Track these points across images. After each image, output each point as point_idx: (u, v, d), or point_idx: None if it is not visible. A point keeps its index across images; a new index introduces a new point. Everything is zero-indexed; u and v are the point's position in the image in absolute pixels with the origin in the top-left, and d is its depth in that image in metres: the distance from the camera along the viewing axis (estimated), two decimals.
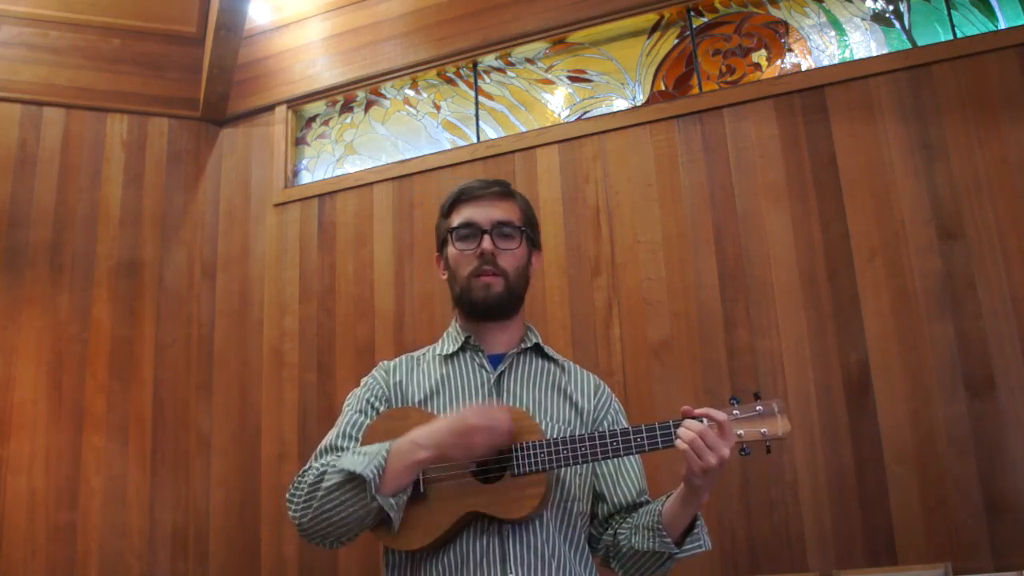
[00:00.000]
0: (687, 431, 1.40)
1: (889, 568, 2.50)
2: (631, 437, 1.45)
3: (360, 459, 1.46)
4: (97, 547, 3.23)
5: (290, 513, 1.55)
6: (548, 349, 1.72)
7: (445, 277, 1.73)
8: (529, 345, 1.69)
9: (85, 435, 3.33)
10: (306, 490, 1.51)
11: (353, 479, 1.44)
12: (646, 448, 1.45)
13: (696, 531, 1.51)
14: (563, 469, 1.54)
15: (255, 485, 3.36)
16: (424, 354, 1.74)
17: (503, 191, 1.72)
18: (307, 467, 1.57)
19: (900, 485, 2.57)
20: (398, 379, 1.69)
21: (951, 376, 2.59)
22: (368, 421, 1.62)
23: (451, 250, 1.69)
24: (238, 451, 3.42)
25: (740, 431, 1.43)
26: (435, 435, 1.45)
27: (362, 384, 1.72)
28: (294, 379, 3.42)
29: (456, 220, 1.70)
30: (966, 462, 2.52)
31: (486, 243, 1.64)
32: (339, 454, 1.57)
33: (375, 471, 1.43)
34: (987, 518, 2.47)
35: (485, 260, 1.64)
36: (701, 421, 1.41)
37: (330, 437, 1.63)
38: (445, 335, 1.74)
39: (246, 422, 3.45)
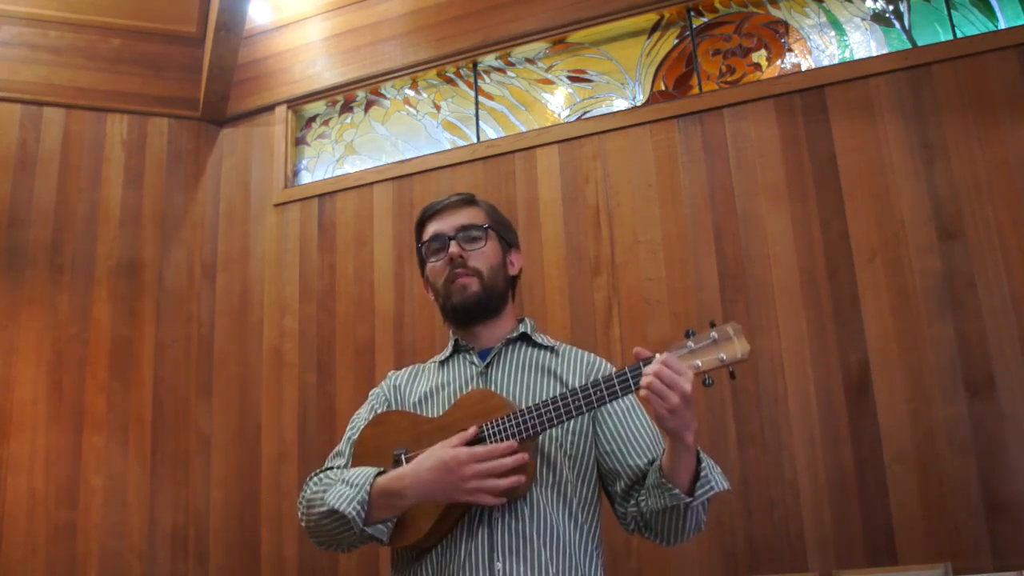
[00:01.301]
0: (645, 377, 1.36)
1: (889, 568, 2.50)
2: (590, 391, 1.43)
3: (345, 491, 1.49)
4: (97, 547, 3.23)
5: (298, 510, 1.63)
6: (539, 337, 1.72)
7: (432, 296, 1.78)
8: (516, 335, 1.70)
9: (85, 435, 3.33)
10: (304, 505, 1.59)
11: (336, 513, 1.48)
12: (606, 399, 1.42)
13: (704, 473, 1.46)
14: (549, 449, 1.55)
15: (255, 485, 3.36)
16: (427, 362, 1.80)
17: (464, 200, 1.76)
18: (317, 471, 1.65)
19: (900, 485, 2.57)
20: (399, 384, 1.74)
21: (951, 376, 2.59)
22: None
23: (428, 266, 1.75)
24: (238, 451, 3.42)
25: (697, 362, 1.38)
26: (423, 484, 1.46)
27: (369, 396, 1.79)
28: (294, 379, 3.42)
29: (425, 236, 1.76)
30: (966, 462, 2.52)
31: (452, 248, 1.68)
32: (342, 459, 1.66)
33: (357, 508, 1.47)
34: (987, 518, 2.47)
35: (455, 264, 1.67)
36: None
37: (339, 445, 1.71)
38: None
39: (246, 422, 3.45)
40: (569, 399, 1.44)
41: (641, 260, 3.03)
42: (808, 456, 2.67)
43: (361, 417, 1.72)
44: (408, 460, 1.53)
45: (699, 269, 2.95)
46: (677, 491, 1.44)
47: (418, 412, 1.64)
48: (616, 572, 2.77)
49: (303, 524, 1.60)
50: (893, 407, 2.63)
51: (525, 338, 1.71)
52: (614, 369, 1.68)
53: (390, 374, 1.80)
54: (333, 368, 3.37)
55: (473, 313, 1.68)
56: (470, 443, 1.47)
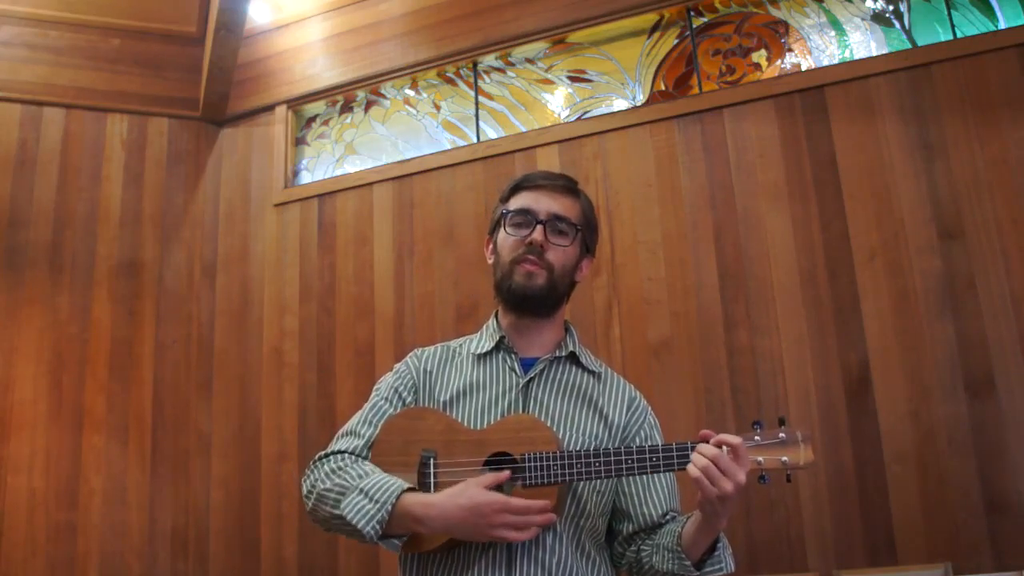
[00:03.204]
0: (700, 457, 1.34)
1: (889, 568, 2.50)
2: (647, 456, 1.40)
3: (365, 505, 1.43)
4: (97, 547, 3.23)
5: (303, 493, 1.56)
6: (585, 357, 1.66)
7: (491, 261, 1.68)
8: (564, 353, 1.64)
9: (85, 435, 3.33)
10: (315, 496, 1.51)
11: (352, 525, 1.43)
12: (661, 469, 1.40)
13: (718, 552, 1.46)
14: (582, 486, 1.52)
15: (255, 485, 3.36)
16: (460, 346, 1.69)
17: (567, 186, 1.66)
18: (327, 452, 1.57)
19: (900, 485, 2.57)
20: (430, 369, 1.65)
21: (951, 376, 2.59)
22: (392, 410, 1.60)
23: (502, 234, 1.64)
24: (238, 451, 3.42)
25: (760, 458, 1.36)
26: (448, 519, 1.40)
27: (393, 371, 1.69)
28: (294, 379, 3.42)
29: (514, 204, 1.64)
30: (966, 462, 2.52)
31: (537, 233, 1.58)
32: (357, 440, 1.57)
33: (376, 528, 1.41)
34: (987, 518, 2.47)
35: (532, 250, 1.58)
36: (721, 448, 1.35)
37: (352, 422, 1.62)
38: (484, 329, 1.70)
39: (246, 422, 3.45)
40: (623, 459, 1.41)
41: (641, 260, 3.03)
42: None
43: (382, 395, 1.63)
44: (437, 467, 1.49)
45: (699, 269, 2.95)
46: (689, 563, 1.44)
47: (448, 411, 1.57)
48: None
49: (309, 509, 1.53)
50: (893, 407, 2.63)
51: (572, 357, 1.65)
52: (648, 407, 1.68)
53: (417, 351, 1.69)
54: (333, 368, 3.37)
55: (528, 304, 1.60)
56: (500, 481, 1.43)
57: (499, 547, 1.45)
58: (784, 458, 1.36)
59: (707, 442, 1.36)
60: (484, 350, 1.64)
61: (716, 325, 2.88)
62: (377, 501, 1.42)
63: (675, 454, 1.39)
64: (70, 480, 3.27)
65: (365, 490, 1.44)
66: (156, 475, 3.38)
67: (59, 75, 3.65)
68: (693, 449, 1.37)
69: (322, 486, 1.50)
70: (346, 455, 1.55)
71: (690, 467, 1.35)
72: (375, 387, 1.68)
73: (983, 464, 2.50)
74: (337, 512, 1.44)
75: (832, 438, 2.66)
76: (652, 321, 2.97)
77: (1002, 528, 2.45)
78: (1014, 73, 2.72)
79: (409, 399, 1.62)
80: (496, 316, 1.68)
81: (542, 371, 1.61)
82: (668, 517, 1.58)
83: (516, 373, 1.60)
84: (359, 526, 1.41)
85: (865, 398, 2.66)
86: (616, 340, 2.99)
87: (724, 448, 1.34)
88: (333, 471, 1.51)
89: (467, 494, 1.40)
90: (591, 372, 1.65)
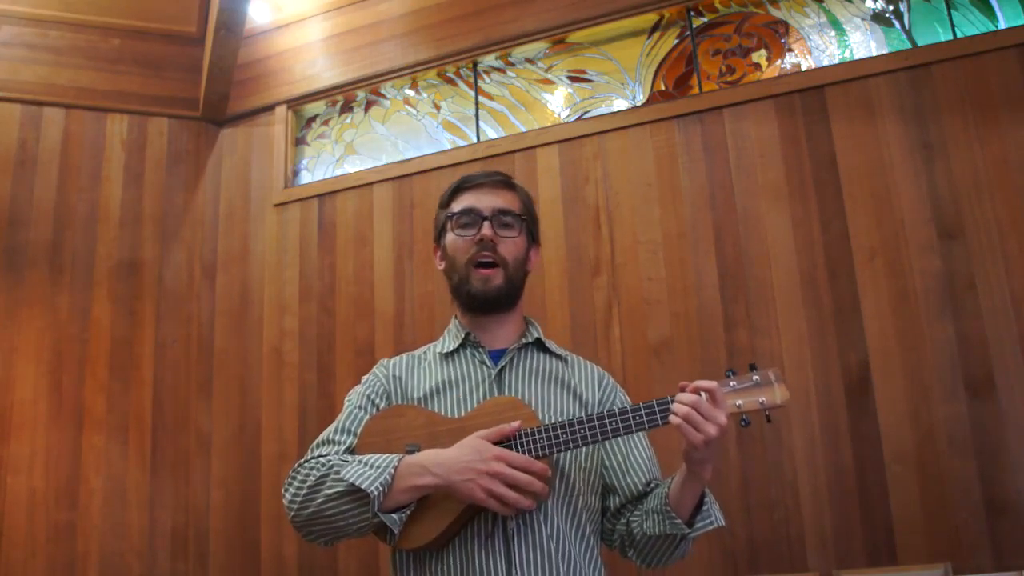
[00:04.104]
0: (680, 405, 1.38)
1: (889, 568, 2.50)
2: (629, 415, 1.43)
3: (366, 471, 1.42)
4: (97, 547, 3.23)
5: (285, 503, 1.54)
6: (550, 344, 1.70)
7: (443, 267, 1.71)
8: (530, 340, 1.67)
9: (85, 435, 3.33)
10: (305, 491, 1.49)
11: (356, 492, 1.42)
12: (645, 426, 1.43)
13: (705, 507, 1.49)
14: (566, 463, 1.54)
15: (255, 485, 3.36)
16: (424, 352, 1.72)
17: (504, 180, 1.71)
18: (304, 459, 1.55)
19: (900, 485, 2.57)
20: (399, 374, 1.66)
21: (951, 376, 2.59)
22: (367, 417, 1.60)
23: (450, 237, 1.67)
24: (238, 451, 3.42)
25: (738, 401, 1.41)
26: (446, 462, 1.42)
27: (363, 382, 1.70)
28: (294, 379, 3.42)
29: (456, 207, 1.68)
30: (966, 462, 2.52)
31: (486, 229, 1.62)
32: (336, 447, 1.56)
33: (380, 488, 1.40)
34: (987, 518, 2.47)
35: (484, 247, 1.62)
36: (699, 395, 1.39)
37: (328, 431, 1.62)
38: (446, 332, 1.73)
39: (246, 422, 3.45)
40: (607, 421, 1.44)
41: (641, 260, 3.03)
42: (808, 456, 2.67)
43: (354, 404, 1.63)
44: None
45: (699, 269, 2.95)
46: (679, 521, 1.46)
47: (421, 407, 1.58)
48: (616, 573, 2.77)
49: (295, 512, 1.51)
50: (893, 407, 2.63)
51: (539, 344, 1.68)
52: (616, 384, 1.71)
53: (384, 362, 1.71)
54: (333, 368, 3.37)
55: (491, 305, 1.63)
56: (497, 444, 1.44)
57: (497, 536, 1.46)
58: (762, 399, 1.42)
59: (684, 392, 1.40)
60: (450, 348, 1.66)
61: (716, 325, 2.88)
62: (378, 467, 1.43)
63: (656, 409, 1.43)
64: (70, 480, 3.27)
65: (364, 461, 1.45)
66: (156, 475, 3.38)
67: (59, 75, 3.65)
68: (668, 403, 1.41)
69: (310, 480, 1.48)
70: (326, 457, 1.53)
71: (671, 416, 1.39)
72: (346, 399, 1.68)
73: (983, 464, 2.50)
74: (340, 488, 1.42)
75: (832, 438, 2.66)
76: (652, 321, 2.97)
77: (1002, 528, 2.45)
78: (1014, 73, 2.73)
79: (383, 405, 1.62)
80: (456, 318, 1.71)
81: (512, 359, 1.64)
82: (652, 486, 1.61)
83: (487, 365, 1.62)
84: (364, 486, 1.39)
85: (865, 398, 2.66)
86: (616, 340, 2.99)
87: (703, 394, 1.38)
88: (321, 465, 1.50)
89: (470, 440, 1.43)
90: (558, 357, 1.68)
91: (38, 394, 3.32)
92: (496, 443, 1.45)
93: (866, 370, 2.68)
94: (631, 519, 1.58)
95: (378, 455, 1.47)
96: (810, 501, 2.64)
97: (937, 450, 2.56)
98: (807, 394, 2.72)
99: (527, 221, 1.69)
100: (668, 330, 2.94)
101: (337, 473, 1.45)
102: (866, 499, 2.59)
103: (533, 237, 1.73)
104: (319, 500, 1.47)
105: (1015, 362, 2.53)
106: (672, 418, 1.39)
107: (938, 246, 2.69)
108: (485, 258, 1.62)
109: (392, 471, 1.42)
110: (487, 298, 1.62)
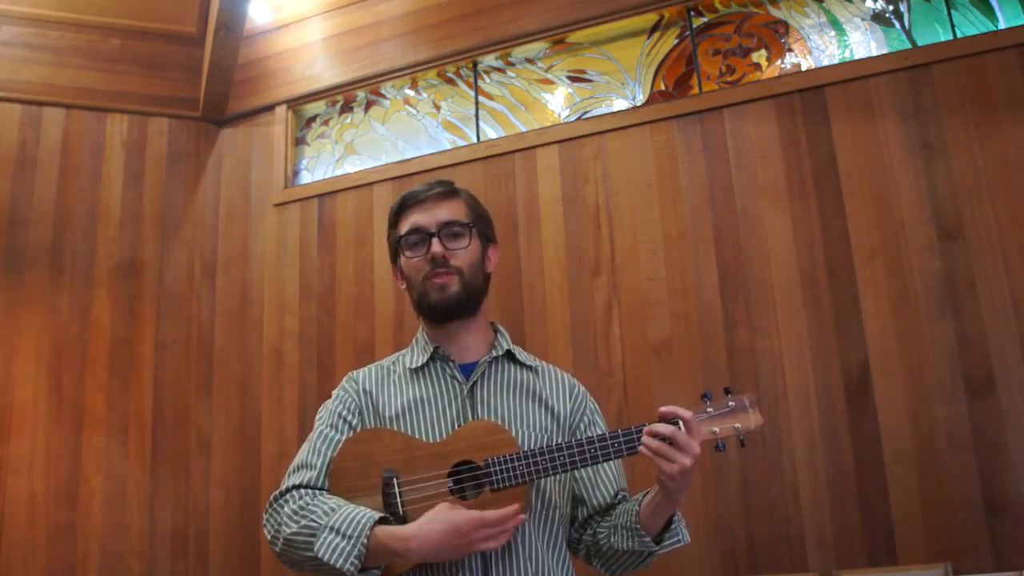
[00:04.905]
0: (650, 440, 1.41)
1: (889, 568, 2.50)
2: (608, 443, 1.46)
3: (337, 544, 1.40)
4: (97, 547, 3.23)
5: (266, 536, 1.53)
6: (519, 353, 1.69)
7: (404, 287, 1.71)
8: (500, 352, 1.67)
9: (85, 435, 3.33)
10: (282, 542, 1.48)
11: (329, 565, 1.41)
12: (624, 453, 1.46)
13: (674, 525, 1.53)
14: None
15: (255, 485, 3.36)
16: (394, 364, 1.70)
17: (446, 191, 1.70)
18: (281, 490, 1.54)
19: (900, 485, 2.57)
20: (368, 388, 1.65)
21: (951, 376, 2.59)
22: (340, 437, 1.59)
23: (403, 259, 1.68)
24: (238, 451, 3.42)
25: (715, 428, 1.46)
26: (431, 547, 1.40)
27: (333, 397, 1.69)
28: (294, 379, 3.42)
29: (404, 228, 1.69)
30: (966, 462, 2.52)
31: (435, 246, 1.62)
32: (311, 472, 1.55)
33: (356, 564, 1.38)
34: (987, 518, 2.47)
35: (436, 263, 1.62)
36: (675, 423, 1.42)
37: (302, 454, 1.60)
38: (413, 343, 1.72)
39: (246, 422, 3.45)
40: (585, 449, 1.46)
41: (641, 260, 3.03)
42: (808, 456, 2.67)
43: (326, 423, 1.62)
44: (400, 486, 1.48)
45: (699, 269, 2.95)
46: (648, 539, 1.49)
47: (396, 427, 1.57)
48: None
49: (277, 553, 1.50)
50: (893, 407, 2.63)
51: (509, 355, 1.68)
52: (587, 393, 1.72)
53: (352, 375, 1.70)
54: (333, 368, 3.37)
55: (452, 313, 1.63)
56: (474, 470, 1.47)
57: (474, 555, 1.47)
58: (737, 424, 1.47)
59: (662, 419, 1.43)
60: (420, 363, 1.65)
61: (716, 325, 2.88)
62: (350, 537, 1.40)
63: (635, 437, 1.46)
64: (70, 480, 3.27)
65: (335, 527, 1.42)
66: (156, 475, 3.38)
67: (59, 75, 3.65)
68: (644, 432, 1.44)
69: (288, 531, 1.47)
70: (304, 491, 1.52)
71: (641, 448, 1.42)
72: (317, 416, 1.67)
73: (983, 464, 2.50)
74: (310, 554, 1.42)
75: (832, 438, 2.66)
76: (652, 321, 2.97)
77: (1002, 528, 2.45)
78: (1014, 73, 2.72)
79: (355, 421, 1.61)
80: (422, 330, 1.71)
81: (483, 373, 1.63)
82: (619, 497, 1.64)
83: (458, 380, 1.62)
84: (338, 565, 1.39)
85: (865, 398, 2.66)
86: (616, 340, 2.99)
87: (680, 423, 1.42)
88: (297, 512, 1.48)
89: (441, 518, 1.41)
90: (528, 367, 1.69)
91: (38, 394, 3.32)
92: (473, 479, 1.46)
93: (866, 370, 2.68)
94: (598, 531, 1.60)
95: (350, 511, 1.44)
96: (810, 501, 2.64)
97: (937, 450, 2.56)
98: (807, 394, 2.72)
99: (475, 225, 1.68)
100: (668, 330, 2.94)
101: (311, 538, 1.43)
102: (866, 499, 2.59)
103: (487, 237, 1.72)
104: (297, 559, 1.47)
105: (1015, 362, 2.53)
106: (641, 450, 1.42)
107: (938, 246, 2.69)
108: (439, 275, 1.62)
109: (365, 541, 1.40)
110: (447, 306, 1.62)
